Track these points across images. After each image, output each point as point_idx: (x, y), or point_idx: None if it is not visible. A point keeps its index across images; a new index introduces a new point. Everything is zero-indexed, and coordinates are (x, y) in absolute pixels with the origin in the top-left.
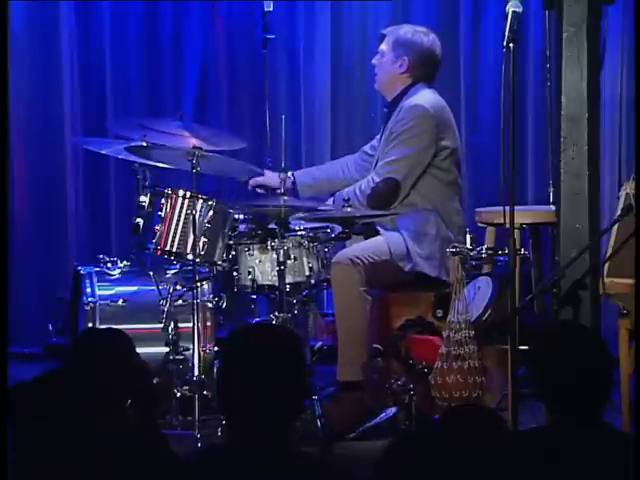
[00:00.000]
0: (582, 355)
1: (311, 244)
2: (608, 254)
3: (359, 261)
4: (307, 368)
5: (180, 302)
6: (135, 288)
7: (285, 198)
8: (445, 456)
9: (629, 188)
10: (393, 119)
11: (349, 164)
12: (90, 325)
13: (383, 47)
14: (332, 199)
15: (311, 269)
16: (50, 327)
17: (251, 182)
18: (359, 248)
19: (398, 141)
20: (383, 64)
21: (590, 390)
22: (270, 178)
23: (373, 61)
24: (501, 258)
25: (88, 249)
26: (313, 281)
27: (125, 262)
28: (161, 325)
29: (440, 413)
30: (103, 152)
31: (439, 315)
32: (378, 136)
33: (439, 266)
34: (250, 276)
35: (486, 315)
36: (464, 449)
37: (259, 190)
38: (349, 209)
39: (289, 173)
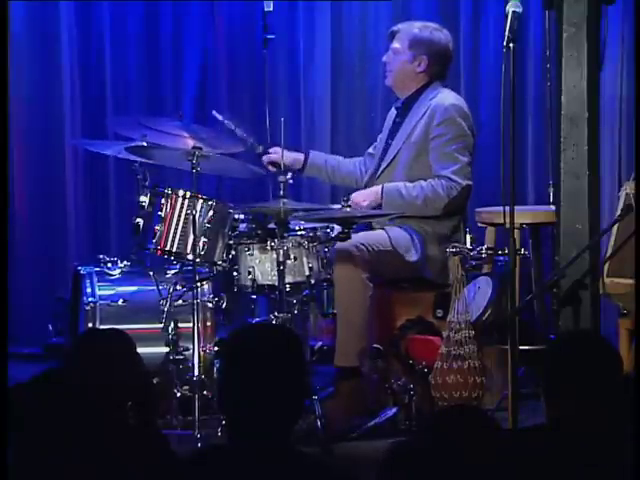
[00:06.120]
0: (597, 365)
1: (311, 244)
2: (608, 254)
3: (363, 247)
4: (307, 368)
5: (180, 302)
6: (135, 288)
7: (285, 200)
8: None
9: (629, 188)
10: (414, 119)
11: (356, 164)
12: (90, 325)
13: (397, 45)
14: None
15: (311, 269)
16: (50, 327)
17: (264, 159)
18: (363, 236)
19: (457, 146)
20: (398, 63)
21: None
22: (284, 156)
23: (384, 59)
24: (501, 258)
25: (88, 249)
26: (313, 281)
27: (125, 262)
28: (161, 325)
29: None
30: (103, 152)
31: (439, 315)
32: (380, 135)
33: (435, 267)
34: (250, 276)
35: (486, 315)
36: (453, 450)
37: (271, 168)
38: (348, 209)
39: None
